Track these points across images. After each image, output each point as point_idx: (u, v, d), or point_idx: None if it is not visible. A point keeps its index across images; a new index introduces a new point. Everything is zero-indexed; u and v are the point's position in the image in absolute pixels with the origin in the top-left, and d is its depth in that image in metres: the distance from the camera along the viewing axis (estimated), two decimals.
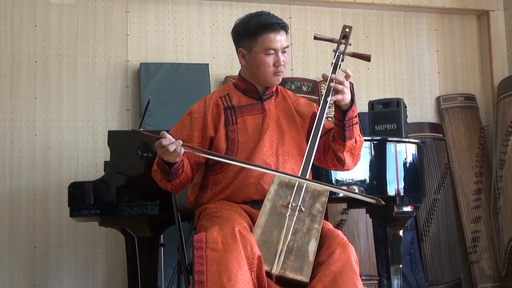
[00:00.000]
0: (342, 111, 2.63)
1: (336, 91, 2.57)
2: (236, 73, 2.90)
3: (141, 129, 2.57)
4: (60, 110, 4.58)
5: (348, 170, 2.80)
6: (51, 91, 4.58)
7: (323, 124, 2.66)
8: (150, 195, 3.13)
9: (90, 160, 4.57)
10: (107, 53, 4.72)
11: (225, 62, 4.92)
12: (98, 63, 4.70)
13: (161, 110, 4.51)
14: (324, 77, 2.61)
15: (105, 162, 3.98)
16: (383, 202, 2.51)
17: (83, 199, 3.14)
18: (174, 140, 2.47)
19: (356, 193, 2.66)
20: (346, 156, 2.71)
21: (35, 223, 4.45)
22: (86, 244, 4.53)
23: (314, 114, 2.79)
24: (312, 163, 2.61)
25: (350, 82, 2.64)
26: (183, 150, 2.51)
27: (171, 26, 4.87)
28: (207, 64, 4.80)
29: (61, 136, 4.56)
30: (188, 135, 2.73)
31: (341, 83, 2.57)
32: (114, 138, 3.27)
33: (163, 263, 3.85)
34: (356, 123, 2.69)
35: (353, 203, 3.97)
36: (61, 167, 4.52)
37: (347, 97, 2.60)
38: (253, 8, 3.14)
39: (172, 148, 2.46)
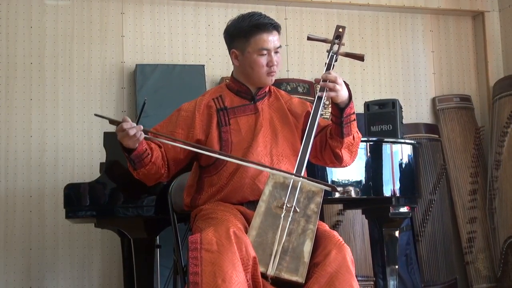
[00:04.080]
0: (339, 108, 2.63)
1: (329, 89, 2.58)
2: None
3: (100, 115, 2.57)
4: (55, 111, 4.58)
5: (346, 166, 2.80)
6: (46, 92, 4.58)
7: (318, 122, 2.66)
8: (146, 197, 3.13)
9: (86, 161, 4.57)
10: (103, 55, 4.72)
11: (220, 63, 4.92)
12: (93, 64, 4.69)
13: (157, 111, 4.51)
14: (317, 81, 2.62)
15: (101, 164, 3.98)
16: (337, 189, 2.52)
17: (79, 200, 3.14)
18: (135, 125, 2.47)
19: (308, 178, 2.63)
20: (344, 153, 2.71)
21: (31, 225, 4.45)
22: (82, 245, 4.52)
23: (308, 113, 2.79)
24: (309, 161, 2.61)
25: (345, 82, 2.64)
26: (143, 135, 2.51)
27: (166, 27, 4.87)
28: (203, 65, 4.80)
29: (56, 138, 4.55)
30: (171, 131, 2.73)
31: (333, 81, 2.57)
32: (109, 139, 3.26)
33: (159, 264, 3.85)
34: (354, 119, 2.69)
35: (349, 204, 3.98)
36: (57, 168, 4.52)
37: (342, 94, 2.60)
38: (249, 9, 3.14)
39: (132, 132, 2.46)
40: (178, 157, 2.73)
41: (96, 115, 2.57)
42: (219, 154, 2.61)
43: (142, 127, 2.49)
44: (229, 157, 2.60)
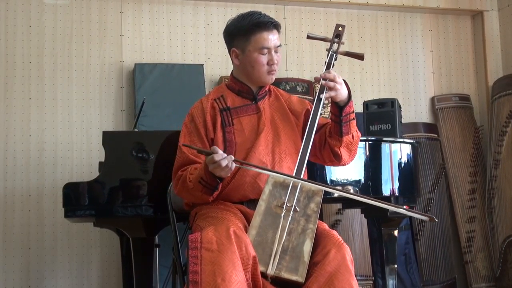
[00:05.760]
0: (339, 107, 2.64)
1: (329, 89, 2.58)
2: None
3: (189, 145, 2.54)
4: (54, 110, 4.57)
5: (345, 165, 2.80)
6: (45, 91, 4.58)
7: (317, 122, 2.66)
8: (144, 196, 3.13)
9: (85, 160, 4.56)
10: (102, 54, 4.72)
11: (219, 62, 4.92)
12: (92, 63, 4.69)
13: (156, 110, 4.51)
14: (317, 80, 2.61)
15: (100, 163, 3.98)
16: (436, 220, 2.48)
17: (78, 200, 3.14)
18: (226, 155, 2.45)
19: (407, 210, 2.55)
20: (343, 152, 2.71)
21: (30, 224, 4.44)
22: (81, 245, 4.52)
23: (307, 111, 2.80)
24: (309, 160, 2.61)
25: (344, 80, 2.64)
26: (234, 165, 2.48)
27: (165, 26, 4.87)
28: (202, 65, 4.80)
29: (55, 137, 4.55)
30: (201, 144, 2.71)
31: (332, 80, 2.57)
32: (108, 138, 3.26)
33: (158, 263, 3.85)
34: (353, 118, 2.69)
35: (347, 204, 3.98)
36: (56, 167, 4.52)
37: (341, 93, 2.60)
38: (248, 9, 3.14)
39: (224, 163, 2.43)
40: None
41: (184, 145, 2.56)
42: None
43: (233, 157, 2.46)
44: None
